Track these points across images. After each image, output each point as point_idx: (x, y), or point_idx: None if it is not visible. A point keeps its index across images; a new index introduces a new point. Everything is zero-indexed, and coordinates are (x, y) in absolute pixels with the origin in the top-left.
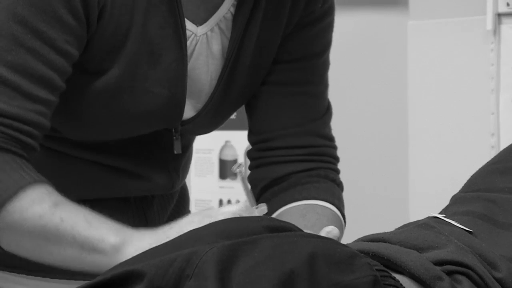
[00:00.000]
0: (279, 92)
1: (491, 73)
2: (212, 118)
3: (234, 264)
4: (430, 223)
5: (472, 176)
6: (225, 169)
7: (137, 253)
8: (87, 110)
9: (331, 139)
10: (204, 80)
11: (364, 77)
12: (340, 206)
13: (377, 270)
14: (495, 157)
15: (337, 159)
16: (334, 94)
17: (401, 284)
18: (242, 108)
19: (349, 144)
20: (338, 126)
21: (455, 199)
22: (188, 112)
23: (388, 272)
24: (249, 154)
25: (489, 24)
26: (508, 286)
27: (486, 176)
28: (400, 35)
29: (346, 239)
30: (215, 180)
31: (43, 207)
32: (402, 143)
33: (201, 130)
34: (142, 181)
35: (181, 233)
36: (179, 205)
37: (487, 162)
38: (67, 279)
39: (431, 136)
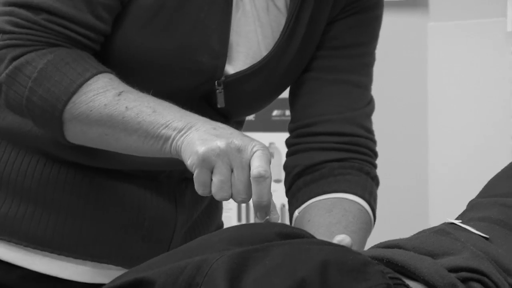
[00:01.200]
0: (322, 79)
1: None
2: (258, 82)
3: (245, 272)
4: (446, 229)
5: (489, 181)
6: None
7: (200, 137)
8: (141, 34)
9: (370, 131)
10: (252, 41)
11: (384, 79)
12: (370, 200)
13: (390, 277)
14: None
15: (375, 153)
16: None
17: None
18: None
19: None
20: None
21: (472, 205)
22: (232, 69)
23: (401, 280)
24: (287, 141)
25: (510, 26)
26: None
27: (504, 181)
28: (420, 37)
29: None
30: None
31: (107, 96)
32: (421, 145)
33: (244, 97)
34: None
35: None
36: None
37: (505, 167)
38: (74, 257)
39: (450, 138)
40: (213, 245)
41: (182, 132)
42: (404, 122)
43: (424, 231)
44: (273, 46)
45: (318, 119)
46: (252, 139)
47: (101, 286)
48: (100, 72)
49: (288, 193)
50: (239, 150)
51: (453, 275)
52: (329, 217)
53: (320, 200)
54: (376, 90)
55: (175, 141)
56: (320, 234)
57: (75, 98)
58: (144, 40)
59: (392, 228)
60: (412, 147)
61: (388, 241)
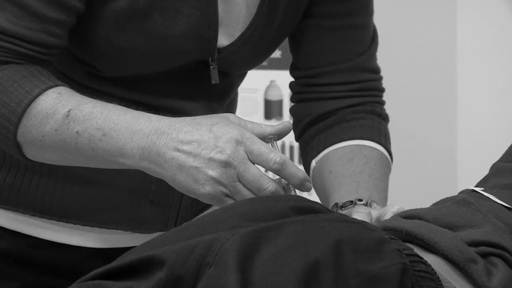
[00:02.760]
0: (324, 26)
1: None
2: (251, 49)
3: (256, 252)
4: (467, 199)
5: None
6: (270, 110)
7: (181, 169)
8: (119, 36)
9: (377, 71)
10: (240, 6)
11: (413, 40)
12: (386, 143)
13: (407, 255)
14: None
15: (382, 91)
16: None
17: (433, 269)
18: (287, 47)
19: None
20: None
21: (495, 170)
22: (225, 40)
23: (419, 257)
24: (292, 87)
25: None
26: None
27: None
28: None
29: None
30: (260, 120)
31: (56, 120)
32: (450, 107)
33: (240, 63)
34: None
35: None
36: None
37: None
38: (81, 224)
39: (480, 99)
40: (225, 220)
41: (145, 162)
42: (433, 85)
43: (446, 200)
44: (257, 9)
45: (324, 69)
46: (227, 128)
47: (111, 251)
48: (50, 87)
49: (299, 139)
50: (228, 163)
51: (473, 249)
52: (352, 166)
53: (338, 148)
54: (404, 53)
55: (145, 169)
56: (346, 185)
57: (25, 121)
58: (122, 41)
59: (420, 189)
60: (440, 108)
61: (409, 210)
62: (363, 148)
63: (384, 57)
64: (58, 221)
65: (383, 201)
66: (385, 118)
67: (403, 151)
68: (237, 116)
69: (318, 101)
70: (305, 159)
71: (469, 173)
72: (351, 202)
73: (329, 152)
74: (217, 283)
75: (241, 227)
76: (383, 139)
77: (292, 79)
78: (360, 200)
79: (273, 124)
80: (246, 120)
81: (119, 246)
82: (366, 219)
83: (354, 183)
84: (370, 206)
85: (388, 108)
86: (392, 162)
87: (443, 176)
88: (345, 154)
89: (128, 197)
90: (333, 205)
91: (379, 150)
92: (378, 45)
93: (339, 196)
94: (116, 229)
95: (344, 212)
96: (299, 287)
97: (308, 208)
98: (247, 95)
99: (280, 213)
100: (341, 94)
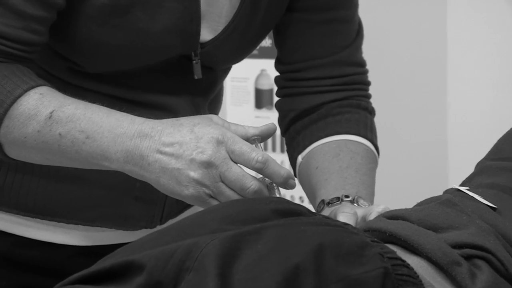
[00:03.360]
0: (308, 20)
1: None
2: (234, 43)
3: (236, 258)
4: (452, 199)
5: (499, 141)
6: (261, 99)
7: (164, 171)
8: (100, 32)
9: (362, 64)
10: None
11: (403, 29)
12: (373, 138)
13: (389, 258)
14: None
15: (367, 84)
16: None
17: (415, 273)
18: None
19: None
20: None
21: (480, 168)
22: (208, 34)
23: (401, 260)
24: (277, 81)
25: None
26: None
27: None
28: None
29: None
30: (251, 109)
31: (39, 121)
32: (440, 99)
33: (223, 58)
34: (164, 115)
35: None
36: None
37: None
38: (65, 222)
39: (470, 91)
40: (206, 223)
41: (129, 165)
42: (423, 79)
43: (430, 200)
44: (239, 3)
45: (309, 64)
46: (208, 128)
47: (96, 248)
48: (32, 87)
49: (284, 134)
50: (209, 164)
51: (457, 251)
52: (338, 161)
53: (324, 143)
54: (394, 47)
55: (129, 172)
56: (333, 180)
57: (7, 122)
58: (103, 37)
59: (410, 184)
60: (430, 103)
61: (393, 210)
62: (349, 143)
63: (374, 52)
64: (42, 219)
65: (370, 197)
66: (371, 111)
67: (393, 146)
68: (220, 118)
69: (303, 95)
70: (291, 154)
71: (460, 166)
72: (338, 199)
73: (315, 147)
74: None
75: (221, 231)
76: (369, 133)
77: (278, 74)
78: (347, 196)
79: (257, 126)
80: (230, 122)
81: (104, 244)
82: (352, 219)
83: (341, 179)
84: (357, 202)
85: (377, 103)
86: (378, 156)
87: (433, 170)
88: (331, 149)
89: (113, 194)
90: (320, 202)
91: (365, 145)
92: (364, 38)
93: (326, 192)
94: (101, 226)
95: (330, 209)
96: None
97: (290, 210)
98: (237, 84)
99: (261, 216)
100: (326, 88)
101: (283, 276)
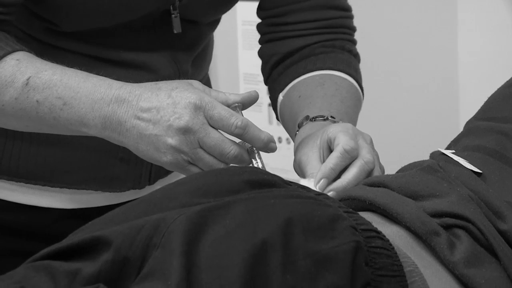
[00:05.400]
0: None
1: None
2: None
3: (203, 233)
4: (434, 166)
5: (488, 99)
6: None
7: (141, 138)
8: None
9: (346, 9)
10: None
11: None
12: (357, 77)
13: (363, 230)
14: None
15: (353, 29)
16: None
17: (390, 244)
18: None
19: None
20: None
21: (468, 128)
22: None
23: (376, 232)
24: (259, 28)
25: None
26: None
27: (503, 100)
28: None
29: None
30: None
31: (16, 88)
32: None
33: (204, 10)
34: (145, 73)
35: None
36: None
37: (506, 83)
38: (50, 186)
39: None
40: (177, 197)
41: (108, 131)
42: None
43: (413, 166)
44: None
45: (290, 8)
46: (186, 93)
47: (82, 211)
48: (8, 53)
49: (267, 81)
50: (186, 129)
51: (436, 221)
52: (322, 89)
53: (307, 77)
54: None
55: (108, 138)
56: (318, 103)
57: None
58: None
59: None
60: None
61: (374, 177)
62: (334, 76)
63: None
64: (26, 183)
65: None
66: (355, 55)
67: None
68: (201, 84)
69: (285, 39)
70: (273, 96)
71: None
72: (323, 117)
73: (297, 81)
74: (161, 266)
75: (192, 204)
76: (354, 72)
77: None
78: (333, 117)
79: (239, 94)
80: (210, 89)
81: (91, 206)
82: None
83: (326, 103)
84: None
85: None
86: (363, 98)
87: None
88: (315, 80)
89: (97, 156)
90: (303, 118)
91: (350, 81)
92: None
93: (310, 111)
94: (86, 189)
95: (316, 123)
96: (245, 270)
97: (264, 181)
98: (249, 28)
99: (233, 188)
100: (308, 32)
101: (250, 253)
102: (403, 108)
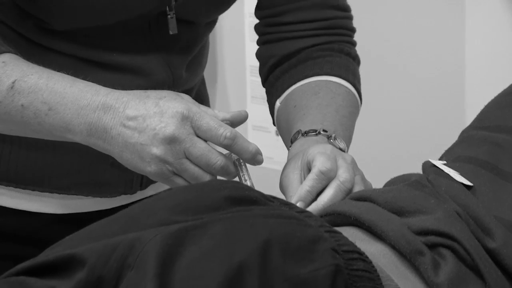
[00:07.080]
0: None
1: None
2: None
3: (179, 255)
4: (422, 181)
5: (485, 107)
6: None
7: (126, 146)
8: None
9: (345, 9)
10: None
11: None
12: (355, 81)
13: (345, 251)
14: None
15: (353, 30)
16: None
17: (373, 267)
18: None
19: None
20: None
21: (462, 138)
22: None
23: (359, 253)
24: (256, 28)
25: None
26: (501, 258)
27: (498, 109)
28: None
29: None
30: None
31: (1, 91)
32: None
33: (201, 10)
34: (137, 78)
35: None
36: None
37: (503, 91)
38: (40, 191)
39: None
40: (156, 212)
41: (93, 138)
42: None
43: (401, 179)
44: None
45: (288, 7)
46: (174, 103)
47: (73, 216)
48: None
49: (265, 84)
50: (172, 139)
51: (421, 239)
52: (317, 99)
53: (303, 84)
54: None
55: (93, 145)
56: (311, 115)
57: None
58: None
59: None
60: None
61: (361, 191)
62: (330, 83)
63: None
64: (16, 187)
65: (347, 140)
66: (354, 57)
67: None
68: (191, 98)
69: (283, 41)
70: (270, 100)
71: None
72: (315, 131)
73: (293, 89)
74: None
75: (169, 222)
76: (351, 77)
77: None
78: (325, 131)
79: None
80: (200, 105)
81: (81, 211)
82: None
83: (320, 115)
84: (335, 139)
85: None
86: (361, 103)
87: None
88: (310, 88)
89: (87, 160)
90: (296, 132)
91: (347, 88)
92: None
93: (303, 125)
94: (77, 194)
95: (306, 139)
96: None
97: (244, 198)
98: (257, 20)
99: (213, 205)
100: (306, 33)
101: (225, 276)
102: (409, 108)
